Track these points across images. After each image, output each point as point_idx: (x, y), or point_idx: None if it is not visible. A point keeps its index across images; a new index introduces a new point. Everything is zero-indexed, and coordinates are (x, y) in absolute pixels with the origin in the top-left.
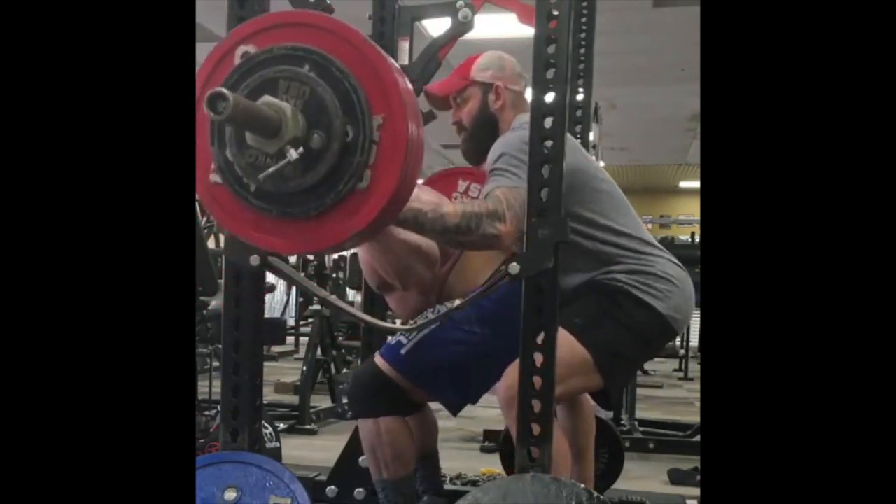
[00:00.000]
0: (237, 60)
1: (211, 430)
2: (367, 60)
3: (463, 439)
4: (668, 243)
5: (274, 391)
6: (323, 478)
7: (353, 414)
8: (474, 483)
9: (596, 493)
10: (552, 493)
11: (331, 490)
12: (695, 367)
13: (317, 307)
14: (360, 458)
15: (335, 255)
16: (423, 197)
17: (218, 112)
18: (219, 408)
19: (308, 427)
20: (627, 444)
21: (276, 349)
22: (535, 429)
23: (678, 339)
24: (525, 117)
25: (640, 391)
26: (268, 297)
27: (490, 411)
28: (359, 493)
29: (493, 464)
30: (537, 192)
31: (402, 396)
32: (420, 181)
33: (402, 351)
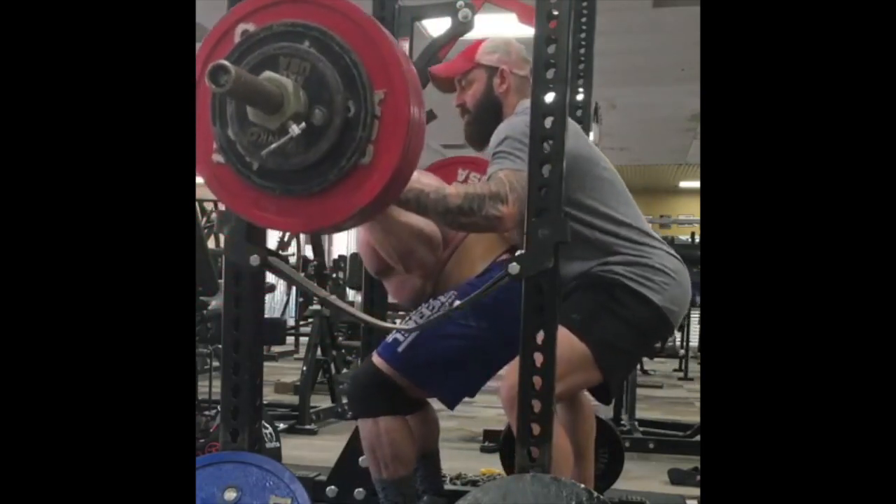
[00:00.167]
0: (237, 38)
1: (211, 430)
2: (367, 36)
3: (463, 439)
4: (668, 243)
5: (274, 391)
6: (323, 478)
7: (352, 414)
8: (474, 483)
9: (596, 493)
10: (552, 493)
11: (331, 490)
12: (695, 367)
13: (317, 307)
14: (360, 458)
15: (335, 255)
16: (425, 180)
17: (220, 84)
18: (219, 408)
19: (308, 427)
20: (627, 444)
21: (276, 349)
22: (535, 429)
23: (678, 339)
24: (529, 102)
25: (640, 391)
26: (268, 297)
27: (490, 411)
28: (359, 493)
29: (493, 464)
30: (537, 192)
31: (400, 395)
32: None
33: (399, 349)
